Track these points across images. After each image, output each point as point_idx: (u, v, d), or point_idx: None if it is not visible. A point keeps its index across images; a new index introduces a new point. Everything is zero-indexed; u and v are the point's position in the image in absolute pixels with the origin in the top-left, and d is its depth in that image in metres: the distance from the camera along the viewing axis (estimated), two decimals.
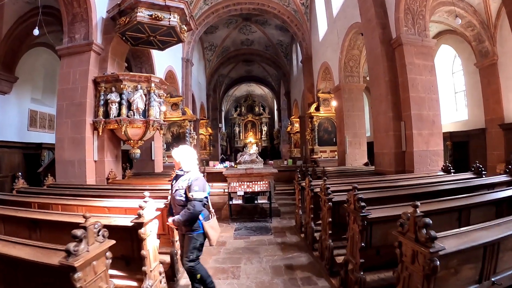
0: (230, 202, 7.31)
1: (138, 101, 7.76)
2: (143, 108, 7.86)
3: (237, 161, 8.58)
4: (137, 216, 3.13)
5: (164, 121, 15.14)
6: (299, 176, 6.68)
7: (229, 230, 6.70)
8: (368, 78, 15.47)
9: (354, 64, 12.55)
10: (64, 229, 3.16)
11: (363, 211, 3.18)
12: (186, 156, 3.78)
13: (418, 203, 2.46)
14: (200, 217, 3.59)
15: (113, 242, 2.48)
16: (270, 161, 15.93)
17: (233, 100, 36.75)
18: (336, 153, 15.22)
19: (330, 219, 4.21)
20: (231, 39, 23.08)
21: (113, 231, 2.73)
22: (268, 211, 7.44)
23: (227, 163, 15.18)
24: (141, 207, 3.15)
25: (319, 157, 14.91)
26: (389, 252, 3.14)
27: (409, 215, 2.46)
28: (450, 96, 13.59)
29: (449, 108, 13.38)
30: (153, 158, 11.95)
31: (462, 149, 12.18)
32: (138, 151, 8.20)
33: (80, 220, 2.37)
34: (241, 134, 35.31)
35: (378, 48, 8.54)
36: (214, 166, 14.83)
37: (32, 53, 12.96)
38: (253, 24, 21.38)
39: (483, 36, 11.24)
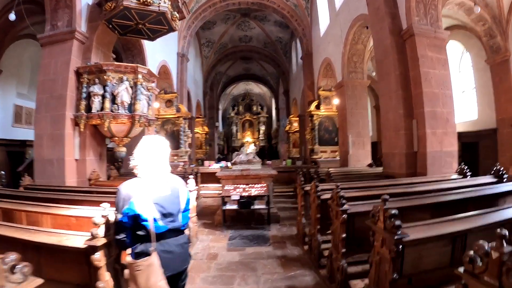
0: (224, 207, 6.54)
1: (123, 94, 6.95)
2: (129, 102, 7.05)
3: (232, 162, 7.79)
4: (90, 236, 2.30)
5: (157, 118, 14.55)
6: (302, 179, 5.84)
7: (223, 239, 5.89)
8: (374, 74, 14.84)
9: (358, 60, 11.78)
10: None
11: (398, 232, 2.39)
12: (137, 153, 2.42)
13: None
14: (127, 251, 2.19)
15: (40, 282, 1.62)
16: (268, 161, 15.12)
17: (230, 99, 35.93)
18: (337, 153, 14.46)
19: (344, 235, 3.40)
20: (229, 35, 22.28)
21: (66, 252, 2.08)
22: (266, 216, 6.65)
23: (223, 163, 14.38)
24: (95, 224, 2.31)
25: (320, 158, 14.14)
26: (423, 279, 2.68)
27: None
28: (458, 95, 12.83)
29: (457, 107, 12.59)
30: None
31: (471, 150, 11.38)
32: (123, 149, 7.38)
33: None
34: (239, 133, 34.48)
35: (387, 39, 7.77)
36: (209, 166, 14.03)
37: (18, 45, 12.14)
38: (252, 20, 20.59)
39: (495, 31, 10.53)
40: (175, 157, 13.78)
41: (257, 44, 23.45)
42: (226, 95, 34.24)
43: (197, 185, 10.68)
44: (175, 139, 14.13)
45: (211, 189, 11.97)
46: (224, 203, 6.46)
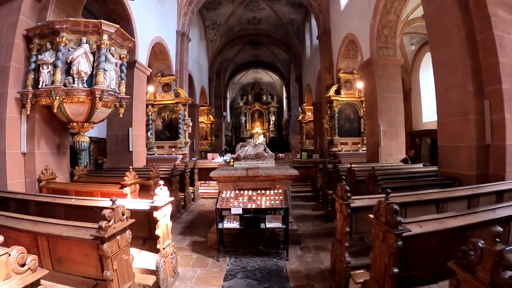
0: (220, 226, 4.26)
1: (80, 61, 4.86)
2: (89, 73, 4.95)
3: (234, 156, 5.61)
4: None
5: (153, 104, 12.46)
6: (346, 189, 3.51)
7: (215, 278, 3.74)
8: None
9: (390, 33, 9.49)
10: None
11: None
12: None
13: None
14: None
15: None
16: (280, 154, 12.92)
17: (239, 88, 33.66)
18: (359, 145, 12.26)
19: None
20: (236, 17, 20.00)
21: None
22: (281, 235, 4.52)
23: (228, 156, 12.29)
24: None
25: (340, 150, 11.93)
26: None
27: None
28: None
29: None
30: (130, 150, 9.09)
31: None
32: (86, 139, 5.29)
33: None
34: (248, 124, 32.23)
35: None
36: (213, 159, 11.97)
37: None
38: None
39: None
40: (173, 149, 11.73)
41: (267, 26, 21.11)
42: (234, 84, 32.01)
43: (193, 185, 8.81)
44: (173, 128, 12.09)
45: (213, 187, 9.91)
46: (221, 217, 4.36)
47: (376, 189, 4.39)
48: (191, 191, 8.34)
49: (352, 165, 6.54)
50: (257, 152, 5.30)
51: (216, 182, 4.87)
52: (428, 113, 14.01)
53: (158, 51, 12.40)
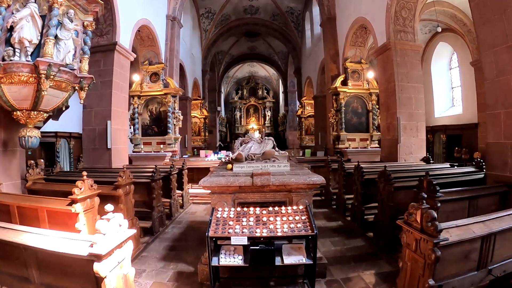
0: (215, 262, 2.85)
1: (25, 26, 3.48)
2: (37, 42, 3.58)
3: (233, 157, 3.99)
4: None
5: (140, 95, 11.04)
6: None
7: None
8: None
9: (408, 15, 8.22)
10: None
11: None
12: None
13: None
14: None
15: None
16: (281, 152, 11.58)
17: (234, 82, 32.15)
18: (367, 142, 11.01)
19: None
20: (232, 5, 18.58)
21: None
22: (299, 264, 3.19)
23: (222, 153, 10.94)
24: None
25: (347, 148, 10.67)
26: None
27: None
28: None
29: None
30: (109, 147, 7.72)
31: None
32: (35, 133, 3.88)
33: None
34: (243, 119, 30.77)
35: None
36: (206, 157, 10.62)
37: None
38: None
39: None
40: (162, 146, 10.36)
41: (265, 16, 19.69)
42: (229, 78, 30.53)
43: (182, 188, 7.30)
44: (162, 123, 10.71)
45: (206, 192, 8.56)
46: (216, 250, 3.03)
47: (432, 203, 3.11)
48: (179, 196, 7.01)
49: (385, 167, 5.26)
50: (265, 151, 3.92)
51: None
52: (441, 107, 12.86)
53: (145, 36, 10.99)
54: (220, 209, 3.13)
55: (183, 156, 12.03)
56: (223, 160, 7.53)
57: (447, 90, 13.59)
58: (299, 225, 2.81)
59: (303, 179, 3.37)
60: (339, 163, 6.74)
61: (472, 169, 5.93)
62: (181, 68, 14.25)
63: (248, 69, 30.35)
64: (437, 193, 3.15)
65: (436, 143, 12.67)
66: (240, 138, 4.28)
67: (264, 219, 2.91)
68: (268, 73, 30.13)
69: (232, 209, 3.13)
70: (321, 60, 14.30)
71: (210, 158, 9.89)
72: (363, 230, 5.13)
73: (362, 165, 5.63)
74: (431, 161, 7.55)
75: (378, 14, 8.72)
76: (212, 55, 21.34)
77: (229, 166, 3.90)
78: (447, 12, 10.58)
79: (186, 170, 7.48)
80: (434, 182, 3.25)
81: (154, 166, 5.51)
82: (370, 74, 10.57)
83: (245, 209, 3.12)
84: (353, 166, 5.97)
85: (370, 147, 10.86)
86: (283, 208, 3.13)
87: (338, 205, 6.65)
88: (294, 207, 3.14)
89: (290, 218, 2.93)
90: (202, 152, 11.52)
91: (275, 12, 19.19)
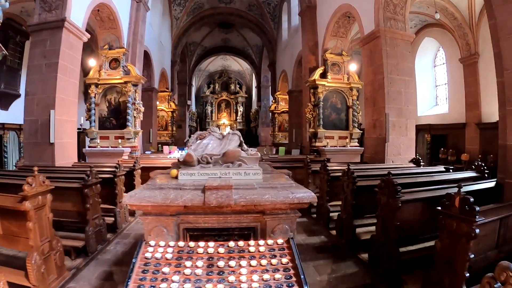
0: None
1: None
2: None
3: (182, 159, 2.75)
4: None
5: (97, 84, 9.48)
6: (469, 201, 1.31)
7: None
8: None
9: (399, 2, 7.42)
10: None
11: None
12: None
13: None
14: None
15: None
16: (252, 149, 10.52)
17: (206, 76, 30.67)
18: (347, 140, 10.21)
19: None
20: None
21: None
22: None
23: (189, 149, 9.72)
24: None
25: (325, 146, 9.79)
26: None
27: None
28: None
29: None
30: (52, 141, 6.35)
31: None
32: None
33: None
34: (214, 114, 29.42)
35: None
36: (170, 153, 9.37)
37: None
38: None
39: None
40: (120, 141, 9.00)
41: (240, 6, 18.53)
42: (201, 71, 29.05)
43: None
44: (121, 115, 9.33)
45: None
46: None
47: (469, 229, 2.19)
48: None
49: (389, 173, 4.31)
50: (227, 151, 2.77)
51: (141, 215, 2.40)
52: (425, 106, 12.31)
53: (105, 17, 9.55)
54: (152, 242, 1.99)
55: (146, 152, 10.68)
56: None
57: (431, 88, 13.16)
58: (277, 275, 1.72)
59: (283, 196, 2.25)
60: (322, 165, 5.73)
61: (473, 174, 5.16)
62: (147, 56, 12.83)
63: (221, 63, 29.03)
64: (476, 216, 2.27)
65: (420, 143, 12.10)
66: (197, 132, 3.13)
67: (221, 263, 1.80)
68: (241, 67, 28.97)
69: (171, 243, 1.99)
70: (298, 53, 13.38)
71: (173, 155, 8.65)
72: (354, 251, 4.13)
73: (353, 168, 4.64)
74: (421, 163, 6.79)
75: (364, 1, 7.86)
76: (183, 45, 19.85)
77: (174, 172, 2.71)
78: (438, 4, 9.90)
79: (139, 170, 6.24)
80: (471, 200, 2.35)
81: (89, 167, 4.22)
82: (353, 67, 9.73)
83: (192, 244, 1.98)
84: (340, 169, 5.03)
85: (350, 146, 10.06)
86: (251, 243, 2.01)
87: (320, 214, 5.61)
88: (270, 242, 2.03)
89: (263, 261, 1.84)
90: (166, 148, 10.25)
91: (251, 2, 18.09)
